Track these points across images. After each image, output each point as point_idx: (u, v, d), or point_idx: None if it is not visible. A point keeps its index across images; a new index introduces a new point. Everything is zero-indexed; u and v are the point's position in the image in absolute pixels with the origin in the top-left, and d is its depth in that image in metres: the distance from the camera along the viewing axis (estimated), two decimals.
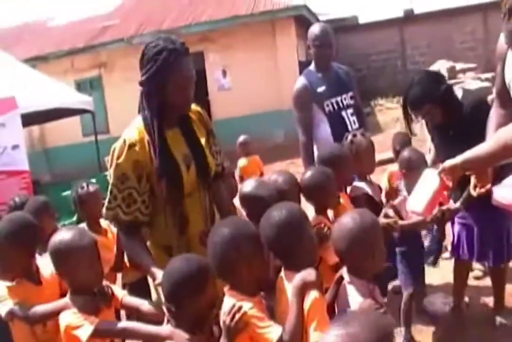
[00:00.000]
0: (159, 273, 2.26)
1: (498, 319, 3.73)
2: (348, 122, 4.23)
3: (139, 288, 2.98)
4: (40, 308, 2.43)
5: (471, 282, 4.13)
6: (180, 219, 2.56)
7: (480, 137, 3.02)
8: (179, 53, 2.45)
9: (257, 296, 2.17)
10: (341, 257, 2.26)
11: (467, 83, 9.23)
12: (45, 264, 2.66)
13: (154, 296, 2.58)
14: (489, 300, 3.92)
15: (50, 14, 18.67)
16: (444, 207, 3.38)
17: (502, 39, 3.21)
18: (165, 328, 2.13)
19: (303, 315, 2.03)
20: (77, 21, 17.14)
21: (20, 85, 8.68)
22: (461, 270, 3.85)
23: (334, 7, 17.77)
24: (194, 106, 2.70)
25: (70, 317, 2.26)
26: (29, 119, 8.66)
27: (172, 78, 2.44)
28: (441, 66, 10.89)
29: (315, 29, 4.29)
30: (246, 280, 2.14)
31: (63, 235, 2.37)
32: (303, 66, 14.35)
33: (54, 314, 2.36)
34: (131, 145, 2.46)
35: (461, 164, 2.59)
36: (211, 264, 2.13)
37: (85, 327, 2.19)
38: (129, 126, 2.57)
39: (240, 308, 2.05)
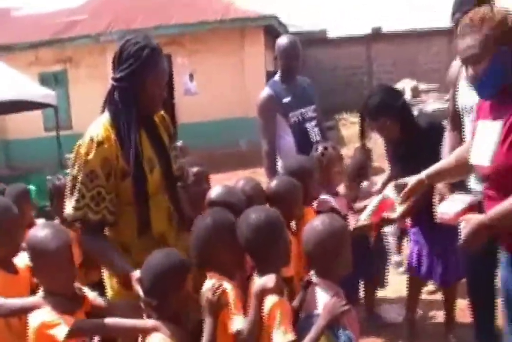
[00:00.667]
0: (136, 272, 2.27)
1: (451, 338, 3.81)
2: (311, 135, 4.27)
3: (100, 288, 2.94)
4: (9, 302, 2.32)
5: (424, 296, 4.22)
6: (141, 219, 2.52)
7: (431, 157, 3.15)
8: (159, 52, 2.46)
9: (235, 281, 2.30)
10: (310, 258, 2.34)
11: (429, 103, 9.48)
12: (17, 257, 2.59)
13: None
14: (441, 314, 4.01)
15: (16, 3, 18.30)
16: (385, 215, 3.47)
17: (454, 65, 3.34)
18: (150, 321, 2.16)
19: (261, 319, 2.14)
20: (44, 13, 16.77)
21: None
22: (414, 285, 3.90)
23: (304, 19, 17.96)
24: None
25: (45, 316, 2.18)
26: None
27: (152, 75, 2.45)
28: (405, 85, 11.16)
29: (283, 40, 4.33)
30: (225, 263, 2.31)
31: (38, 233, 2.30)
32: (270, 76, 14.48)
33: (23, 311, 2.28)
34: (100, 143, 2.40)
35: (426, 179, 2.71)
36: (193, 251, 2.33)
37: (61, 326, 2.12)
38: (94, 123, 2.51)
39: (221, 285, 2.19)
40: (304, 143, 4.14)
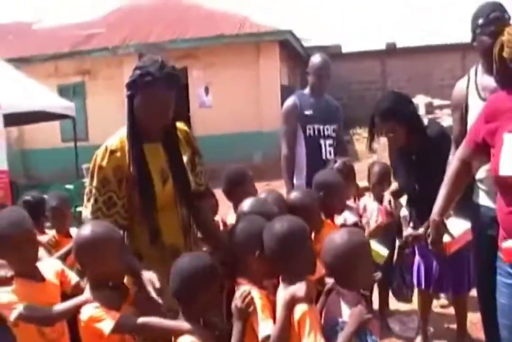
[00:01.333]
0: (152, 275, 2.37)
1: None
2: (324, 151, 4.47)
3: None
4: (60, 307, 2.42)
5: (437, 309, 4.28)
6: (152, 230, 2.62)
7: (440, 166, 3.20)
8: (158, 79, 2.50)
9: (266, 290, 2.37)
10: (329, 270, 2.38)
11: (444, 119, 9.50)
12: (45, 265, 2.67)
13: None
14: (453, 327, 4.04)
15: (36, 16, 18.67)
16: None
17: (459, 85, 3.38)
18: (186, 324, 2.23)
19: (290, 327, 2.18)
20: (63, 26, 17.11)
21: (2, 85, 8.67)
22: (424, 298, 3.96)
23: (318, 34, 18.13)
24: (182, 126, 2.79)
25: (92, 311, 2.27)
26: (8, 120, 8.63)
27: (139, 97, 2.53)
28: (419, 101, 11.20)
29: (316, 59, 4.60)
30: (254, 271, 2.39)
31: (92, 228, 2.38)
32: (284, 90, 14.63)
33: (75, 311, 2.36)
34: (113, 151, 2.55)
35: (439, 217, 2.79)
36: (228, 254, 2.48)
37: (108, 320, 2.22)
38: (114, 135, 2.65)
39: (249, 292, 2.28)
40: (314, 157, 4.38)
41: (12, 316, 2.37)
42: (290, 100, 4.63)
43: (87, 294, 2.37)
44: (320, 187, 3.33)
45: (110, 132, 2.68)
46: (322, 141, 4.47)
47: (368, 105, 16.62)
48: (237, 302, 2.27)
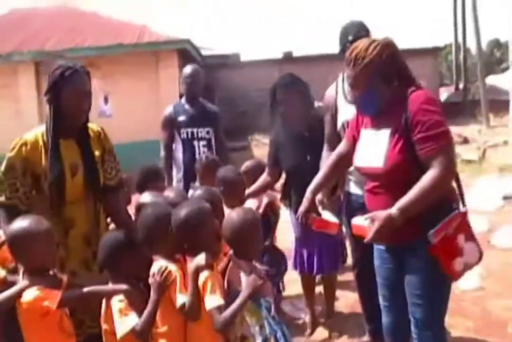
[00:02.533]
0: None
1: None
2: (197, 151, 5.16)
3: None
4: (2, 296, 2.57)
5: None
6: (64, 221, 2.96)
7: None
8: (75, 69, 2.90)
9: (178, 263, 2.80)
10: (228, 244, 2.84)
11: None
12: None
13: None
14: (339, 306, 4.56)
15: None
16: None
17: (329, 89, 3.80)
18: (122, 285, 2.64)
19: (199, 292, 2.62)
20: None
21: None
22: (307, 282, 4.37)
23: (217, 43, 18.46)
24: (94, 126, 3.15)
25: (36, 292, 2.49)
26: None
27: (65, 90, 2.88)
28: None
29: (186, 69, 5.33)
30: (168, 248, 2.81)
31: (22, 223, 2.61)
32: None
33: (16, 298, 2.54)
34: (24, 144, 2.91)
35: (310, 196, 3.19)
36: (140, 237, 2.83)
37: (52, 297, 2.45)
38: (30, 131, 3.00)
39: (166, 268, 2.69)
40: (189, 157, 5.10)
41: None
42: (166, 110, 5.35)
43: (25, 281, 2.57)
44: (220, 182, 3.90)
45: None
46: (195, 143, 5.15)
47: (266, 112, 17.10)
48: (155, 277, 2.65)
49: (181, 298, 2.64)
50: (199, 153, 5.11)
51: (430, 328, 2.85)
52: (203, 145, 5.16)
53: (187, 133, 5.17)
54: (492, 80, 23.84)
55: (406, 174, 2.67)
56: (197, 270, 2.65)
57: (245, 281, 2.66)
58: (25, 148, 2.91)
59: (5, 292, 2.58)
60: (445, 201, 2.70)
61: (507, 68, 26.39)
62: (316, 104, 4.14)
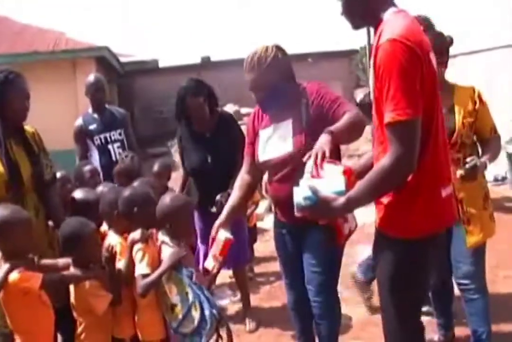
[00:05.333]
0: None
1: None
2: (113, 153, 5.44)
3: None
4: None
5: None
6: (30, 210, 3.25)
7: (231, 146, 4.16)
8: (17, 73, 3.30)
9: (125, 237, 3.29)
10: (159, 223, 3.24)
11: None
12: None
13: None
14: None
15: None
16: None
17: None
18: (89, 271, 3.04)
19: (132, 261, 3.14)
20: None
21: None
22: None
23: (136, 49, 18.51)
24: (29, 128, 3.46)
25: (19, 274, 2.75)
26: None
27: (13, 93, 3.24)
28: (228, 109, 12.17)
29: (90, 78, 5.75)
30: (117, 226, 3.38)
31: (2, 211, 2.87)
32: None
33: (4, 281, 2.79)
34: None
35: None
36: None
37: (35, 279, 2.74)
38: None
39: (113, 246, 3.14)
40: (106, 161, 5.37)
41: None
42: (76, 123, 5.61)
43: (6, 265, 2.82)
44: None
45: None
46: (110, 146, 5.44)
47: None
48: (103, 252, 3.11)
49: (120, 264, 3.15)
50: (115, 155, 5.42)
51: (327, 293, 3.30)
52: (118, 147, 5.47)
53: (101, 139, 5.43)
54: None
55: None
56: (132, 243, 3.14)
57: (168, 254, 3.07)
58: None
59: None
60: None
61: None
62: (235, 108, 4.46)
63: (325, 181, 2.35)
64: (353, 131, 3.01)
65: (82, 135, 5.50)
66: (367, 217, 7.25)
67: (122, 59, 16.82)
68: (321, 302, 3.28)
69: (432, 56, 2.23)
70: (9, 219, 2.85)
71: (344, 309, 3.55)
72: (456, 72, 4.79)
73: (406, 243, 2.25)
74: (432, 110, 2.21)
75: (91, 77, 5.72)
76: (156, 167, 5.04)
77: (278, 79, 3.13)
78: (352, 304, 4.61)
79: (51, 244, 3.46)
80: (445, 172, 2.32)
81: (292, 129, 3.14)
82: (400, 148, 2.06)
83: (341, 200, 2.19)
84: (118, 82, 16.55)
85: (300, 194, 2.28)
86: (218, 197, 4.10)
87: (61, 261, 3.11)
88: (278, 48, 3.21)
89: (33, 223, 3.08)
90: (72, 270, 3.05)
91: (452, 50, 3.56)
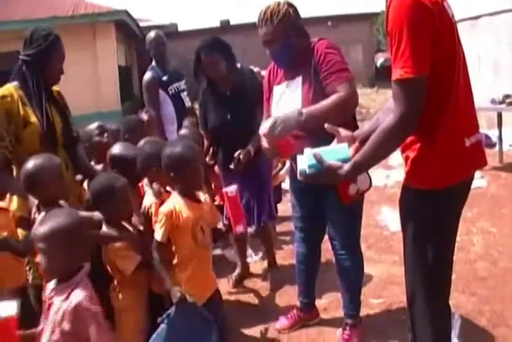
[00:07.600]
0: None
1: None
2: (185, 101, 5.69)
3: None
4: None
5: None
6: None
7: (253, 100, 3.95)
8: (59, 39, 3.30)
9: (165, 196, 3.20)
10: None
11: None
12: None
13: None
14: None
15: None
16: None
17: None
18: (123, 231, 3.03)
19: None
20: None
21: None
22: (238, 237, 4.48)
23: (154, 14, 18.34)
24: (54, 87, 3.45)
25: None
26: None
27: (56, 54, 3.27)
28: None
29: (150, 34, 5.80)
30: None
31: (33, 160, 2.90)
32: (122, 70, 14.69)
33: None
34: (3, 97, 3.14)
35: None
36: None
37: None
38: (1, 88, 3.23)
39: (150, 206, 3.17)
40: (179, 108, 5.59)
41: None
42: (147, 75, 5.67)
43: (43, 213, 2.85)
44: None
45: None
46: (182, 95, 5.69)
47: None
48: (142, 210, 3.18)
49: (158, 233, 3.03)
50: (187, 102, 5.74)
51: (352, 246, 3.39)
52: (186, 95, 5.77)
53: (174, 89, 5.66)
54: None
55: None
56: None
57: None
58: (6, 100, 3.14)
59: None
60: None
61: None
62: (255, 70, 4.45)
63: (329, 149, 2.34)
64: (333, 115, 2.91)
65: (156, 86, 5.62)
66: (388, 179, 7.46)
67: (141, 24, 16.74)
68: (346, 254, 3.36)
69: (448, 6, 2.19)
70: (43, 166, 2.88)
71: (366, 268, 3.58)
72: None
73: (431, 193, 2.26)
74: (453, 61, 2.16)
75: (152, 33, 5.85)
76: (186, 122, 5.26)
77: (290, 34, 3.15)
78: (373, 263, 4.65)
79: (80, 198, 3.51)
80: (469, 121, 2.31)
81: (301, 87, 3.15)
82: (404, 104, 2.05)
83: (347, 166, 2.18)
84: (137, 46, 16.50)
85: (305, 161, 2.23)
86: (236, 154, 4.10)
87: (96, 215, 3.06)
88: (290, 4, 3.21)
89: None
90: (105, 228, 3.03)
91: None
